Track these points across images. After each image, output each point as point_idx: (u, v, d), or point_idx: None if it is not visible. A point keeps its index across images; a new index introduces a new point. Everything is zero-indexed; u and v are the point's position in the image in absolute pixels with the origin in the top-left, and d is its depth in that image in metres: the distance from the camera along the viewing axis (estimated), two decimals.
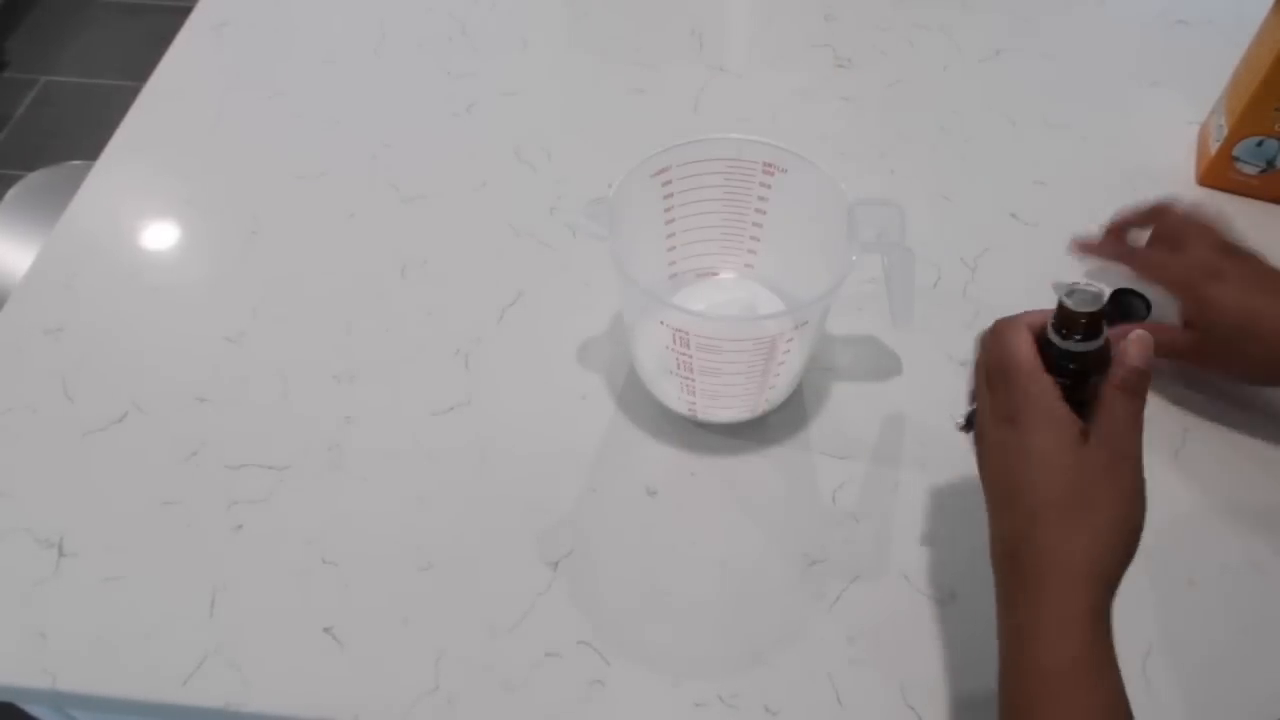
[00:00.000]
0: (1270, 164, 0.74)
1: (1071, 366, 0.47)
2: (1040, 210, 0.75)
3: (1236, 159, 0.75)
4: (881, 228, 0.57)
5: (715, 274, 0.67)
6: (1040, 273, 0.71)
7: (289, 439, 0.63)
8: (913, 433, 0.64)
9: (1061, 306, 0.46)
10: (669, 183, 0.60)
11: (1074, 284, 0.46)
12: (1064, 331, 0.47)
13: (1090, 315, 0.46)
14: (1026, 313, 0.50)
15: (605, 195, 0.56)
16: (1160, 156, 0.79)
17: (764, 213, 0.62)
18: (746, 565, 0.59)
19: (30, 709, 0.64)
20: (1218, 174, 0.76)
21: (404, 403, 0.65)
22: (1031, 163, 0.79)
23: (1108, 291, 0.46)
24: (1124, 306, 0.67)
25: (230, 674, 0.54)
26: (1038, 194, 0.77)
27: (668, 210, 0.62)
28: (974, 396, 0.53)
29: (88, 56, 2.12)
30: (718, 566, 0.59)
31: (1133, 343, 0.46)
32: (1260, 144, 0.73)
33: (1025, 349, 0.48)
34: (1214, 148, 0.75)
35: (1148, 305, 0.67)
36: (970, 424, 0.53)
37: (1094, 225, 0.69)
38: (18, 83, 2.06)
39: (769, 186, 0.61)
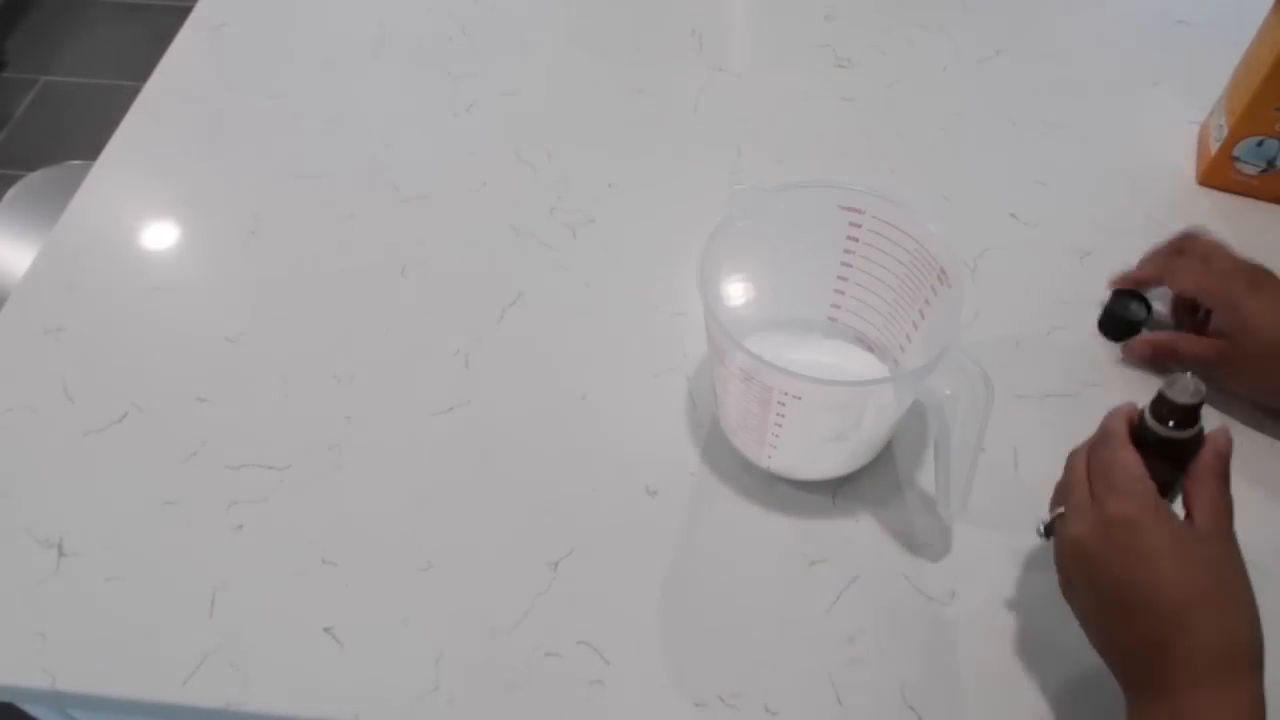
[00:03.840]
0: (1270, 164, 0.74)
1: (1165, 452, 0.48)
2: (1040, 210, 0.75)
3: (1236, 159, 0.74)
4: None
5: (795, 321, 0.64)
6: (1040, 273, 0.71)
7: (289, 439, 0.63)
8: (912, 432, 0.64)
9: (1163, 396, 0.47)
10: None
11: (1175, 375, 0.47)
12: (1164, 420, 0.48)
13: (1191, 406, 0.47)
14: (1112, 417, 0.50)
15: (750, 185, 0.56)
16: (1160, 156, 0.79)
17: (852, 253, 0.60)
18: (746, 565, 0.59)
19: (30, 709, 0.64)
20: (1218, 174, 0.76)
21: (404, 403, 0.65)
22: (1031, 163, 0.79)
23: (1204, 388, 0.47)
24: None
25: (230, 674, 0.54)
26: (1038, 194, 0.77)
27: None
28: (1054, 504, 0.52)
29: (87, 56, 2.12)
30: (718, 566, 0.59)
31: (1221, 431, 0.48)
32: (1260, 144, 0.73)
33: (1131, 457, 0.48)
34: (1214, 148, 0.75)
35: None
36: (1049, 532, 0.52)
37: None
38: (17, 83, 2.06)
39: (859, 226, 0.58)
